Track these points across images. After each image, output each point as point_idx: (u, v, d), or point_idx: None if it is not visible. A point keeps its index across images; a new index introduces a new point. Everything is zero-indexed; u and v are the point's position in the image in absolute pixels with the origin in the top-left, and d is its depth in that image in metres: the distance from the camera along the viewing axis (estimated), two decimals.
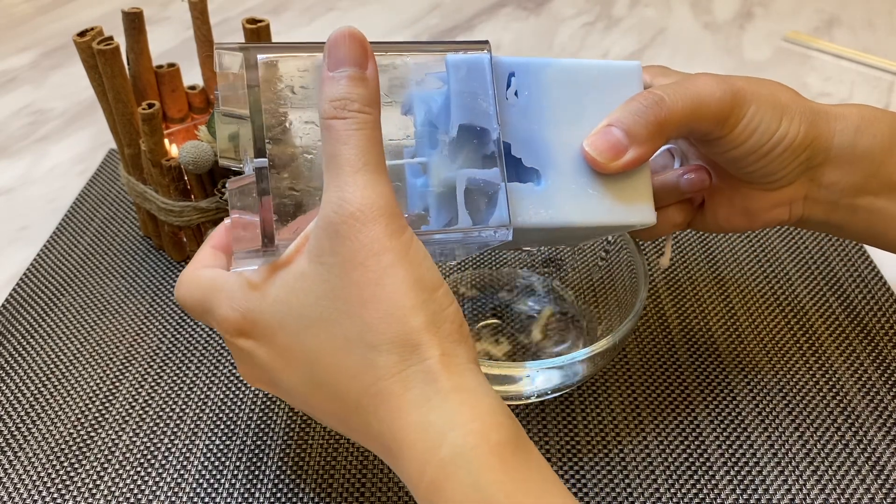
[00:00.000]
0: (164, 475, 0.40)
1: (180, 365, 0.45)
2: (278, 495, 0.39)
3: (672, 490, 0.39)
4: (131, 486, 0.39)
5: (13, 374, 0.45)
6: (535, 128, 0.33)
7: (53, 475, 0.40)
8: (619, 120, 0.33)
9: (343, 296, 0.27)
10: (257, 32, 0.47)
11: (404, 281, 0.27)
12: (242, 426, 0.42)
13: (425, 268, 0.28)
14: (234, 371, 0.45)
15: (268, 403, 0.43)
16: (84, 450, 0.41)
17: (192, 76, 0.53)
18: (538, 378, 0.38)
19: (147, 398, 0.44)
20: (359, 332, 0.27)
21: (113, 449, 0.41)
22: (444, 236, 0.32)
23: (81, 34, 0.46)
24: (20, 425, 0.42)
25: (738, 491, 0.39)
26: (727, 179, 0.37)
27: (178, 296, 0.32)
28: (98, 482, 0.39)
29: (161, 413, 0.43)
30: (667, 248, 0.41)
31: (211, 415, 0.43)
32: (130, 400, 0.43)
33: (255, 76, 0.28)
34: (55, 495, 0.39)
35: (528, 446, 0.27)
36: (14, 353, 0.46)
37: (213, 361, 0.46)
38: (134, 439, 0.41)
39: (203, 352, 0.46)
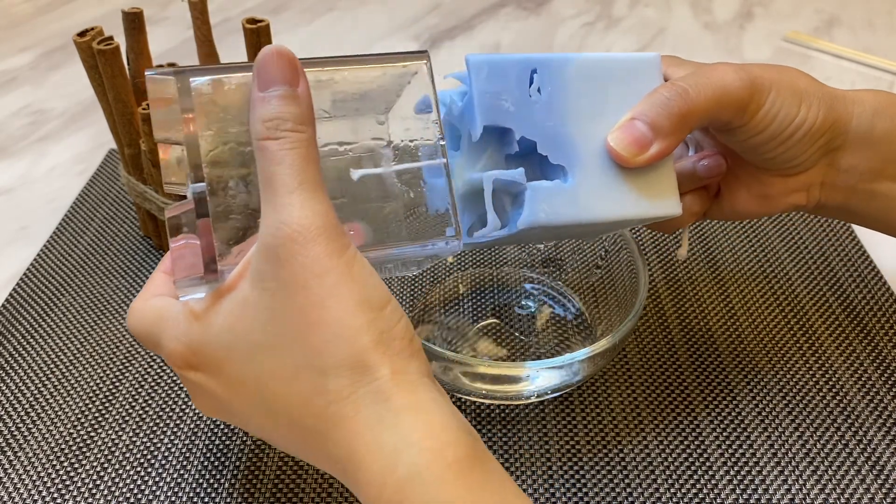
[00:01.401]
0: (164, 475, 0.40)
1: None
2: (278, 495, 0.39)
3: (672, 490, 0.39)
4: (131, 486, 0.39)
5: (13, 373, 0.45)
6: (558, 124, 0.33)
7: (53, 475, 0.40)
8: (643, 113, 0.32)
9: (288, 321, 0.26)
10: (257, 32, 0.47)
11: (349, 301, 0.26)
12: None
13: (371, 285, 0.27)
14: None
15: None
16: (84, 450, 0.41)
17: None
18: (538, 378, 0.38)
19: (147, 398, 0.44)
20: (307, 358, 0.26)
21: (113, 449, 0.41)
22: (396, 251, 0.31)
23: (81, 34, 0.46)
24: (20, 425, 0.42)
25: (738, 491, 0.39)
26: (744, 166, 0.37)
27: (129, 327, 0.31)
28: (98, 482, 0.39)
29: (161, 413, 0.43)
30: (684, 238, 0.41)
31: None
32: (130, 400, 0.43)
33: (189, 100, 0.28)
34: (55, 495, 0.39)
35: (486, 460, 0.26)
36: (14, 352, 0.46)
37: None
38: (134, 439, 0.41)
39: None
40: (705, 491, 0.39)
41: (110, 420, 0.42)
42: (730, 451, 0.41)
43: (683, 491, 0.39)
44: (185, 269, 0.29)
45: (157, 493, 0.39)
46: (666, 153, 0.33)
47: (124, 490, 0.39)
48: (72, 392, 0.44)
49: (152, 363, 0.46)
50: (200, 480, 0.39)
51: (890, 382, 0.44)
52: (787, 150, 0.35)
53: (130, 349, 0.46)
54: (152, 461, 0.40)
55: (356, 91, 0.32)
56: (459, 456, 0.25)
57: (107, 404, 0.43)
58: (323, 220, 0.26)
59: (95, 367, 0.45)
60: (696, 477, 0.39)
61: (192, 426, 0.42)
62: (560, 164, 0.33)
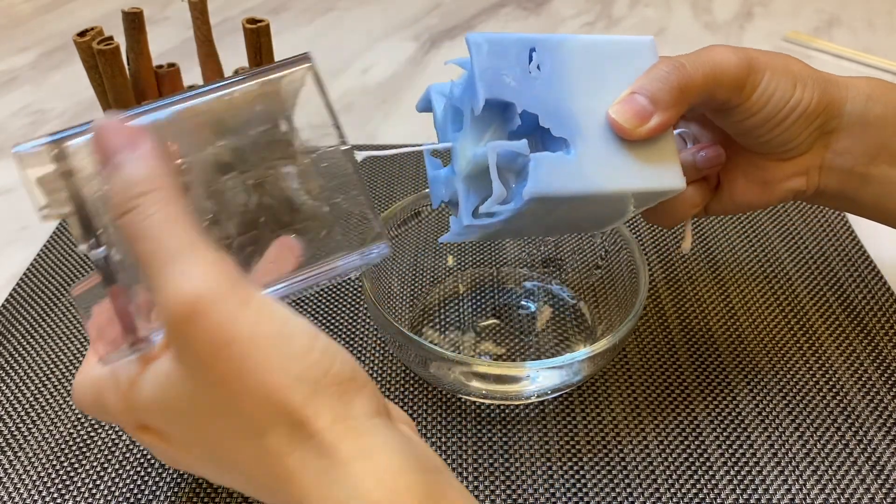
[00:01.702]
0: (164, 475, 0.40)
1: None
2: None
3: (672, 490, 0.39)
4: (131, 486, 0.39)
5: (13, 374, 0.45)
6: (559, 99, 0.33)
7: (53, 475, 0.40)
8: (643, 87, 0.33)
9: (214, 392, 0.25)
10: (257, 32, 0.47)
11: (268, 360, 0.24)
12: None
13: (287, 335, 0.25)
14: None
15: None
16: (84, 450, 0.41)
17: (192, 76, 0.53)
18: (538, 378, 0.38)
19: None
20: (243, 424, 0.25)
21: (113, 449, 0.41)
22: (317, 273, 0.30)
23: (81, 34, 0.46)
24: (20, 425, 0.42)
25: (737, 491, 0.39)
26: (742, 154, 0.38)
27: (76, 402, 0.31)
28: (98, 482, 0.39)
29: None
30: (687, 232, 0.41)
31: None
32: None
33: (67, 166, 0.26)
34: (55, 495, 0.39)
35: (445, 496, 0.25)
36: (14, 352, 0.46)
37: None
38: (134, 439, 0.41)
39: None
40: (705, 491, 0.39)
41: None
42: (730, 451, 0.41)
43: (683, 491, 0.39)
44: (108, 344, 0.27)
45: (157, 493, 0.39)
46: (666, 125, 0.33)
47: (124, 490, 0.39)
48: (72, 393, 0.44)
49: None
50: (200, 480, 0.39)
51: (890, 382, 0.44)
52: (784, 131, 0.35)
53: None
54: (152, 461, 0.40)
55: (245, 113, 0.30)
56: (413, 500, 0.24)
57: None
58: (209, 283, 0.24)
59: None
60: (696, 477, 0.39)
61: None
62: (562, 138, 0.33)
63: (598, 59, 0.34)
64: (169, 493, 0.39)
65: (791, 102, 0.34)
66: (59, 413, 0.43)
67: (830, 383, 0.44)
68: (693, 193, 0.38)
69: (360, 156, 0.31)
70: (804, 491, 0.39)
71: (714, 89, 0.33)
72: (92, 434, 0.42)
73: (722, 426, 0.42)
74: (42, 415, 0.43)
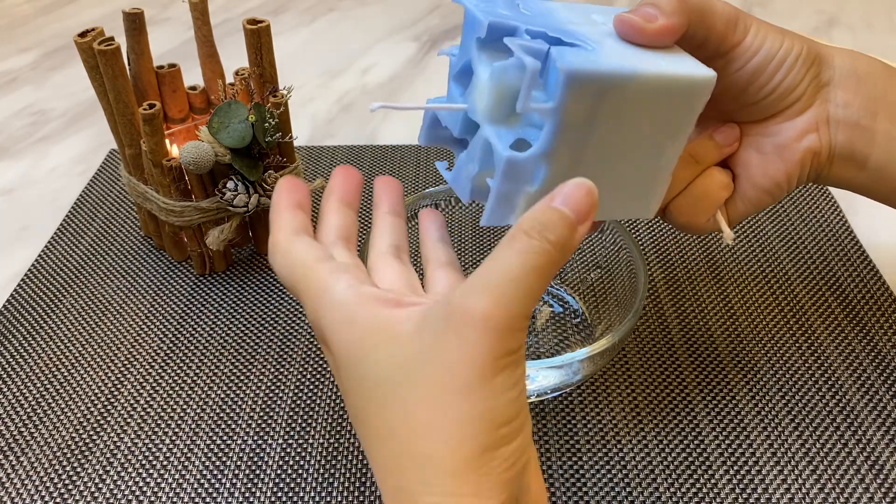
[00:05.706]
0: (166, 476, 0.40)
1: (181, 365, 0.46)
2: (279, 494, 0.39)
3: (672, 490, 0.39)
4: (133, 489, 0.39)
5: (15, 376, 0.45)
6: (558, 25, 0.33)
7: (55, 479, 0.40)
8: (642, 4, 0.34)
9: (415, 398, 0.26)
10: (258, 33, 0.47)
11: (471, 422, 0.25)
12: (243, 426, 0.42)
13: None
14: (234, 370, 0.45)
15: (268, 403, 0.43)
16: (87, 453, 0.41)
17: (192, 76, 0.53)
18: (538, 378, 0.38)
19: (148, 399, 0.44)
20: (408, 444, 0.26)
21: (115, 451, 0.41)
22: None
23: (82, 35, 0.46)
24: (22, 429, 0.42)
25: (737, 491, 0.39)
26: (750, 130, 0.38)
27: (273, 266, 0.32)
28: (100, 485, 0.39)
29: (162, 414, 0.43)
30: (721, 222, 0.39)
31: (212, 415, 0.43)
32: (132, 401, 0.44)
33: None
34: (57, 499, 0.39)
35: None
36: (16, 354, 0.46)
37: (214, 361, 0.46)
38: (136, 441, 0.41)
39: (204, 351, 0.46)
40: (704, 490, 0.39)
41: (112, 422, 0.42)
42: (729, 450, 0.41)
43: (683, 490, 0.39)
44: None
45: (159, 493, 0.39)
46: (673, 29, 0.33)
47: (126, 492, 0.39)
48: (73, 395, 0.44)
49: (153, 364, 0.46)
50: (201, 480, 0.39)
51: (889, 382, 0.44)
52: (784, 77, 0.36)
53: (132, 350, 0.47)
54: (154, 462, 0.40)
55: None
56: None
57: (108, 406, 0.43)
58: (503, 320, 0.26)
59: (97, 368, 0.45)
60: (695, 476, 0.40)
61: (192, 426, 0.42)
62: (575, 43, 0.32)
63: (583, 10, 0.35)
64: (170, 494, 0.39)
65: (784, 47, 0.35)
66: (62, 416, 0.43)
67: (829, 383, 0.44)
68: (720, 175, 0.38)
69: (373, 106, 0.31)
70: (803, 491, 0.39)
71: (709, 14, 0.34)
72: (94, 438, 0.42)
73: (721, 426, 0.42)
74: (44, 418, 0.43)
